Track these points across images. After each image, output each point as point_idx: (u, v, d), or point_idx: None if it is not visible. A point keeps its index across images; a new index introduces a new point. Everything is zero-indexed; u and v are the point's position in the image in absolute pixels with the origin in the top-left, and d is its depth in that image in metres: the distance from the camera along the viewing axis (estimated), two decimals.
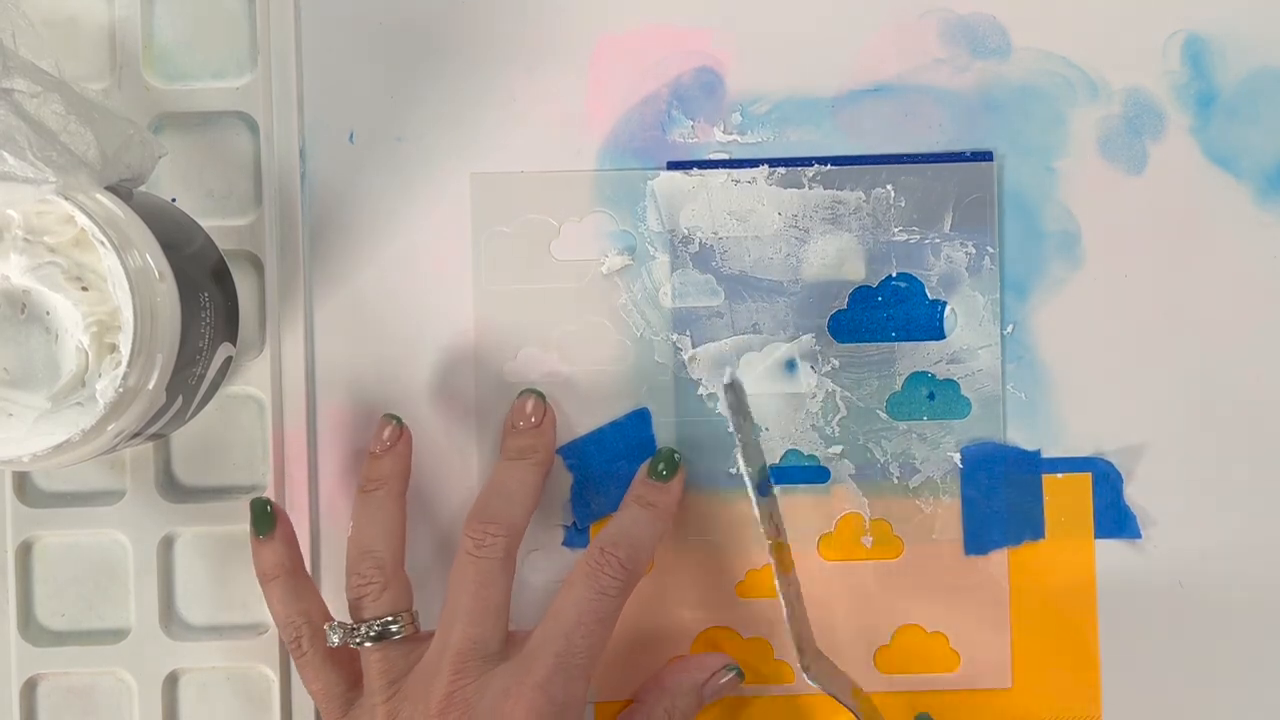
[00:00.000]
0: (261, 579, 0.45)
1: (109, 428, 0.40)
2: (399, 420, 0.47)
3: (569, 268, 0.48)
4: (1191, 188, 0.48)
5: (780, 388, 0.48)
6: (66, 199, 0.39)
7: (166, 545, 0.48)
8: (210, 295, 0.43)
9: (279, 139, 0.48)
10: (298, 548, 0.46)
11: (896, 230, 0.48)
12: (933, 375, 0.48)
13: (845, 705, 0.45)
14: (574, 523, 0.48)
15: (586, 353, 0.48)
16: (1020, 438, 0.48)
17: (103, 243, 0.39)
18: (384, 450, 0.46)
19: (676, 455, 0.47)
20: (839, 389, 0.48)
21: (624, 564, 0.44)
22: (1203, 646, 0.48)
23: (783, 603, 0.45)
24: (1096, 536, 0.48)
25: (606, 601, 0.43)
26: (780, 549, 0.47)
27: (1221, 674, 0.48)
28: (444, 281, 0.48)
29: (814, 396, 0.48)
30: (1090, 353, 0.48)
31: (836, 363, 0.48)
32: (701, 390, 0.48)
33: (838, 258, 0.48)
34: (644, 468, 0.47)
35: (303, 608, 0.45)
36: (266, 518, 0.45)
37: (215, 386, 0.46)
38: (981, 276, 0.48)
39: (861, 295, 0.48)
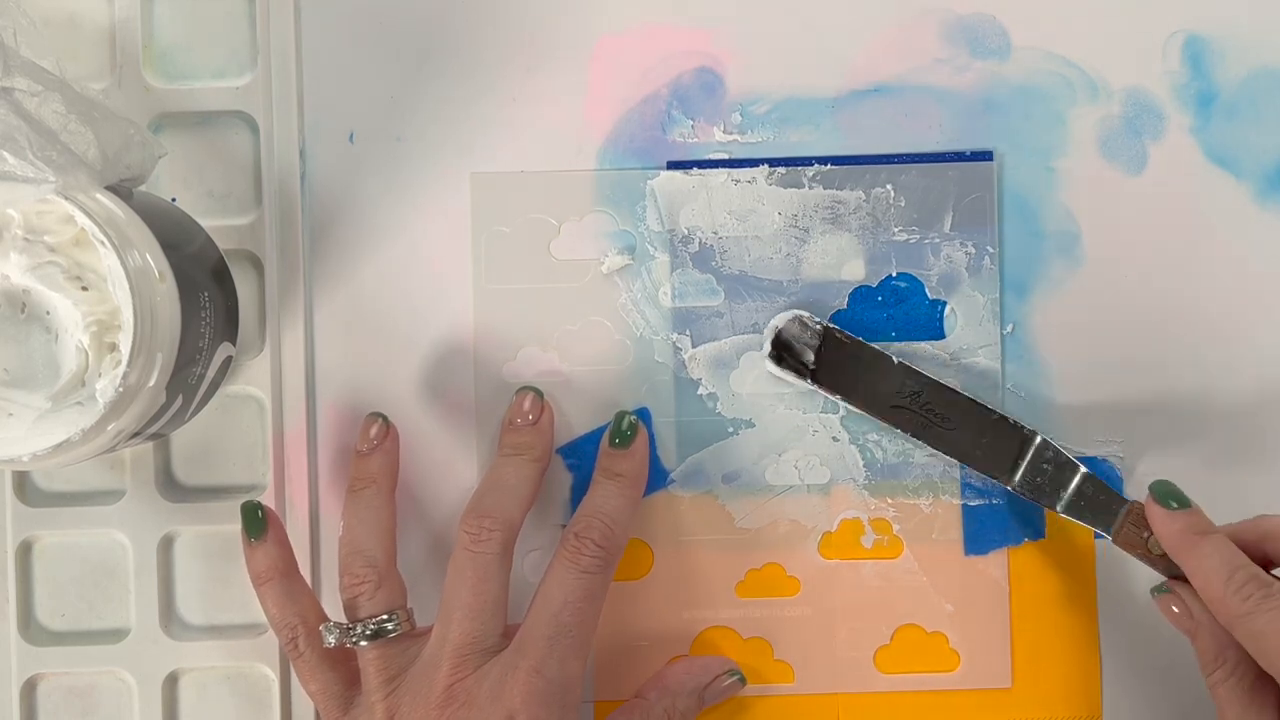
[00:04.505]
0: (255, 582, 0.45)
1: (109, 427, 0.40)
2: (385, 418, 0.47)
3: (569, 267, 0.48)
4: (1191, 188, 0.48)
5: (780, 388, 0.48)
6: (66, 199, 0.39)
7: (166, 545, 0.48)
8: (210, 295, 0.43)
9: (279, 139, 0.48)
10: (290, 550, 0.46)
11: (896, 230, 0.48)
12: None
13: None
14: None
15: (586, 352, 0.48)
16: None
17: (103, 243, 0.39)
18: (371, 449, 0.46)
19: (633, 418, 0.47)
20: None
21: (599, 544, 0.44)
22: None
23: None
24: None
25: (590, 579, 0.43)
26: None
27: None
28: (444, 281, 0.48)
29: (814, 396, 0.48)
30: (1090, 353, 0.48)
31: None
32: (701, 390, 0.48)
33: (838, 258, 0.48)
34: (604, 437, 0.47)
35: (297, 609, 0.45)
36: (258, 521, 0.45)
37: (215, 386, 0.46)
38: (981, 276, 0.48)
39: (861, 295, 0.48)
